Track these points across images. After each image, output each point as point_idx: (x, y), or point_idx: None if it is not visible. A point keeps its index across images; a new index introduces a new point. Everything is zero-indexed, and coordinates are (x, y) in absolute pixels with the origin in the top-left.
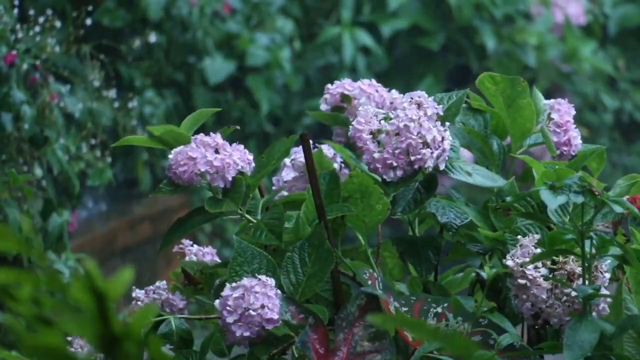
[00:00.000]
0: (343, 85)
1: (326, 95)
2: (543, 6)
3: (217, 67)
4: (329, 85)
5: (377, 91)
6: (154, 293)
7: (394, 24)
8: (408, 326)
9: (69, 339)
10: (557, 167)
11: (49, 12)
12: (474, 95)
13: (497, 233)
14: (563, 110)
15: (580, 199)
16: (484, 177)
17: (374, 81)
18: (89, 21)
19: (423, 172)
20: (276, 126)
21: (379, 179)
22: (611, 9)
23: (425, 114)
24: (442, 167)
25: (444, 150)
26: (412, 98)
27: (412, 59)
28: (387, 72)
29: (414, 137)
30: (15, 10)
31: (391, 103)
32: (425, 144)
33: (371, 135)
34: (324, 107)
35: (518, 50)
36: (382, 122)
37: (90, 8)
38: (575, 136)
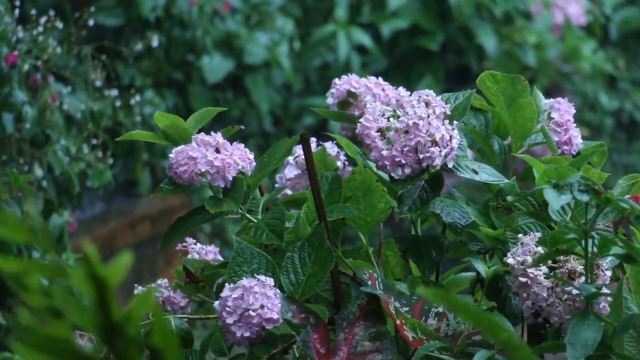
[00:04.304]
0: (349, 82)
1: (332, 90)
2: (543, 6)
3: (215, 66)
4: (336, 80)
5: (383, 89)
6: (155, 291)
7: (393, 24)
8: (454, 306)
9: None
10: (557, 165)
11: (51, 12)
12: (475, 94)
13: (498, 231)
14: (563, 109)
15: (585, 198)
16: (489, 175)
17: (380, 79)
18: (90, 22)
19: (429, 171)
20: (276, 125)
21: (386, 177)
22: (612, 11)
23: (434, 113)
24: (450, 165)
25: (452, 149)
26: (420, 96)
27: (412, 59)
28: (387, 72)
29: (423, 135)
30: (17, 11)
31: (397, 101)
32: (434, 142)
33: (379, 133)
34: (330, 101)
35: (518, 49)
36: (391, 119)
37: (92, 9)
38: (576, 135)
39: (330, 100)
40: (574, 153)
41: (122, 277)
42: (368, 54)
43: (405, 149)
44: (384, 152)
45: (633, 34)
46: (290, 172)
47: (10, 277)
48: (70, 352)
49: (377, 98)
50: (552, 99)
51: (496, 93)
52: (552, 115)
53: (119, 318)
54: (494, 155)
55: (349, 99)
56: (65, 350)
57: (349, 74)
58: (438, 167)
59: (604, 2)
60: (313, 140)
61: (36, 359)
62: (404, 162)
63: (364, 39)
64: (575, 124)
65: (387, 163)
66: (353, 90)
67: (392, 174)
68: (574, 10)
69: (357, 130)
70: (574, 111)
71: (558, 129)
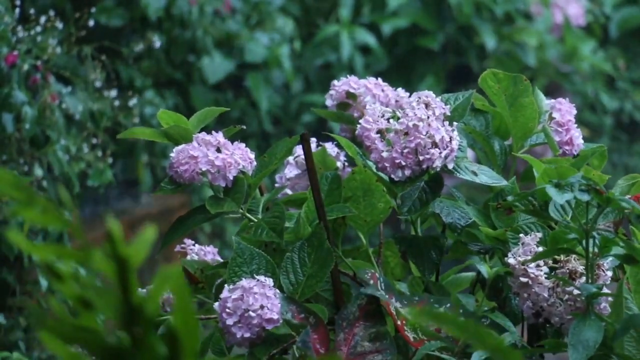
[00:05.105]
0: (348, 83)
1: (332, 92)
2: (543, 6)
3: (216, 66)
4: (334, 82)
5: (382, 90)
6: None
7: (393, 24)
8: (440, 321)
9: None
10: (558, 165)
11: (51, 12)
12: (476, 94)
13: (498, 231)
14: (564, 109)
15: (586, 197)
16: (489, 177)
17: (380, 80)
18: (91, 22)
19: (429, 172)
20: (276, 125)
21: (387, 178)
22: (612, 10)
23: (434, 114)
24: (450, 166)
25: (452, 150)
26: (419, 97)
27: (412, 59)
28: (387, 72)
29: (422, 136)
30: (17, 11)
31: (396, 102)
32: (434, 144)
33: (379, 134)
34: (329, 102)
35: (518, 49)
36: (391, 120)
37: (93, 10)
38: (577, 136)
39: (329, 102)
40: (575, 153)
41: (144, 255)
42: (370, 54)
43: (405, 150)
44: (384, 154)
45: (633, 33)
46: (290, 171)
47: (42, 265)
48: (99, 343)
49: (376, 99)
50: (553, 99)
51: (498, 92)
52: (554, 115)
53: (139, 300)
54: (494, 155)
55: (348, 100)
56: (94, 341)
57: (352, 75)
58: (438, 169)
59: (604, 2)
60: (313, 140)
61: (65, 351)
62: (404, 163)
63: (368, 38)
64: (576, 124)
65: (387, 165)
66: (352, 91)
67: (392, 176)
68: (573, 11)
69: (356, 132)
70: (575, 111)
71: (559, 129)
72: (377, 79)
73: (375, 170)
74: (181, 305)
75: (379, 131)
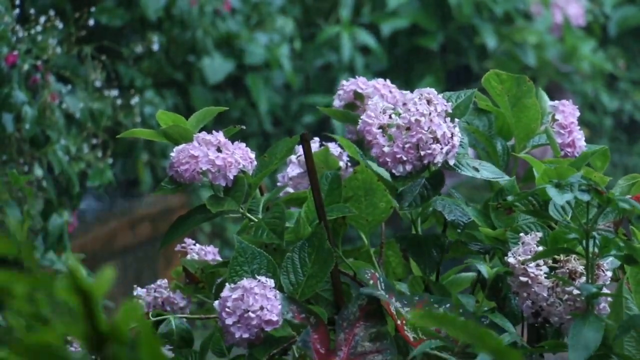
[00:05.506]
0: (357, 83)
1: (340, 92)
2: (543, 6)
3: (217, 67)
4: (343, 82)
5: (390, 92)
6: (155, 291)
7: (393, 24)
8: (441, 323)
9: (68, 338)
10: (557, 165)
11: (51, 12)
12: (480, 95)
13: (498, 231)
14: (567, 111)
15: (586, 197)
16: (490, 172)
17: (388, 81)
18: (91, 22)
19: (429, 169)
20: (276, 126)
21: (387, 175)
22: (611, 9)
23: (436, 110)
24: (451, 162)
25: (453, 146)
26: (421, 94)
27: (412, 59)
28: (387, 72)
29: (424, 132)
30: (16, 11)
31: (404, 104)
32: (436, 140)
33: (380, 130)
34: (337, 103)
35: (518, 49)
36: (393, 116)
37: (92, 9)
38: (580, 138)
39: (336, 103)
40: (577, 155)
41: (106, 290)
42: (369, 54)
43: (407, 145)
44: (385, 149)
45: (632, 31)
46: (293, 170)
47: None
48: (60, 358)
49: (384, 99)
50: (556, 101)
51: (501, 93)
52: (556, 117)
53: (107, 329)
54: (496, 155)
55: (356, 101)
56: (56, 357)
57: (352, 75)
58: (439, 164)
59: (603, 2)
60: (316, 140)
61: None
62: (405, 158)
63: (368, 39)
64: (579, 127)
65: (388, 159)
66: (360, 91)
67: (393, 171)
68: (573, 11)
69: (358, 127)
70: (578, 113)
71: (562, 131)
72: (385, 80)
73: (376, 168)
74: (147, 342)
75: (381, 126)
